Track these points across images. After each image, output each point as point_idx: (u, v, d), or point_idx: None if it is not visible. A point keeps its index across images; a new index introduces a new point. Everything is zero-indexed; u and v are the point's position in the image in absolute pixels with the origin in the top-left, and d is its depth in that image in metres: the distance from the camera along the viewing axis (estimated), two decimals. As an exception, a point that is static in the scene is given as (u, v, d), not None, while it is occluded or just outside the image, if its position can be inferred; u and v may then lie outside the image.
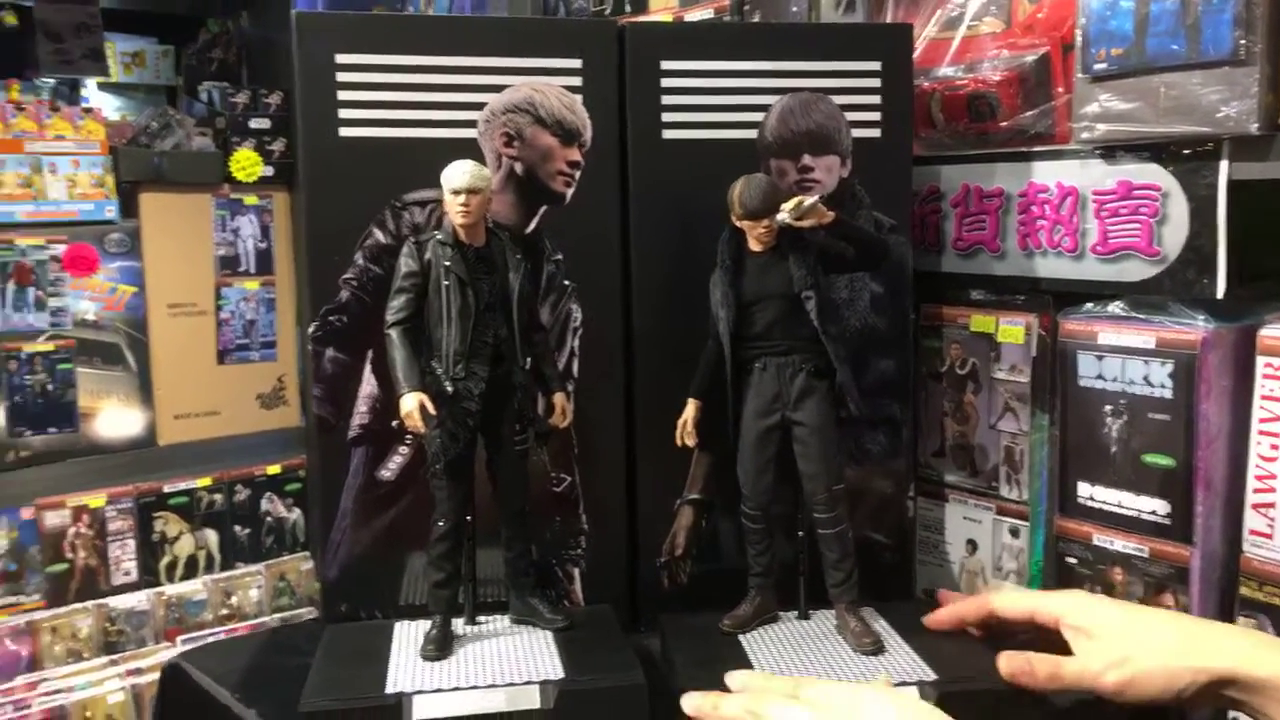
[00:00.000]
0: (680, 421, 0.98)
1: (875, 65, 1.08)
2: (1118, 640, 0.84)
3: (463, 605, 0.97)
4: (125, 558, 2.18)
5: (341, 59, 0.99)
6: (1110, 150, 1.04)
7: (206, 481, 2.27)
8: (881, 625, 0.98)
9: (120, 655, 2.08)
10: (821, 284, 0.96)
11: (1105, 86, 1.00)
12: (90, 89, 3.60)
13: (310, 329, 1.01)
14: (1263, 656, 0.78)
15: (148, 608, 2.17)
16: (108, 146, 2.17)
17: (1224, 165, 0.95)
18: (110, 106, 3.62)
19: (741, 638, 0.96)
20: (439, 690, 0.84)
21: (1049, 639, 0.90)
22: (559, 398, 0.99)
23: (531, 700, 0.84)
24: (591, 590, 1.07)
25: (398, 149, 1.01)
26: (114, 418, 2.17)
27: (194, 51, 2.99)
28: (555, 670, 0.88)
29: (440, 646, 0.91)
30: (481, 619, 0.98)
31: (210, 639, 2.00)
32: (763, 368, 0.96)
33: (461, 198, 0.90)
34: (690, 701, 0.79)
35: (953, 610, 0.98)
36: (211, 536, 2.28)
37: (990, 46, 1.16)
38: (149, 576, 2.19)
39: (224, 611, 2.25)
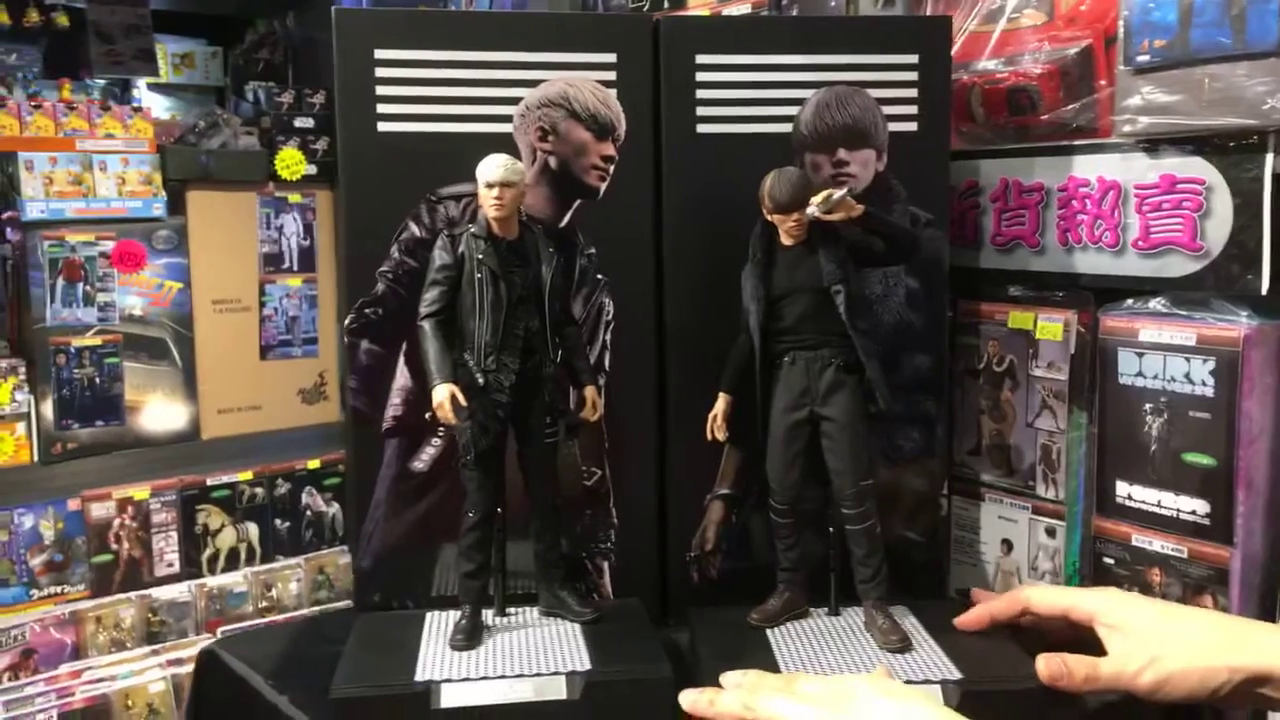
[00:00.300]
0: (711, 415, 0.97)
1: (913, 59, 1.07)
2: (1152, 639, 0.83)
3: (492, 596, 0.98)
4: (168, 549, 2.21)
5: (381, 54, 1.01)
6: (1153, 144, 1.02)
7: (248, 475, 2.29)
8: (911, 623, 0.97)
9: (162, 645, 2.11)
10: (851, 278, 0.96)
11: (1148, 78, 0.98)
12: (141, 89, 3.66)
13: (346, 321, 1.02)
14: None
15: (189, 599, 2.20)
16: (156, 145, 2.20)
17: (1269, 158, 0.94)
18: (160, 107, 3.68)
19: (769, 632, 0.96)
20: (466, 679, 0.85)
21: (1081, 637, 0.89)
22: (590, 391, 0.99)
23: (558, 691, 0.84)
24: (621, 584, 1.07)
25: (434, 144, 1.02)
26: (159, 411, 2.19)
27: (240, 52, 3.03)
28: (582, 662, 0.88)
29: (469, 636, 0.92)
30: (511, 610, 0.99)
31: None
32: (791, 362, 0.96)
33: (495, 191, 0.91)
34: (686, 698, 0.79)
35: (985, 608, 0.97)
36: (253, 529, 2.30)
37: (1031, 39, 1.15)
38: (191, 568, 2.21)
39: (264, 604, 2.27)
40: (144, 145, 2.18)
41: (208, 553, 2.21)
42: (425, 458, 1.03)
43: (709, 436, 0.98)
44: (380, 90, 1.01)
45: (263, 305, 2.34)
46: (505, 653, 0.90)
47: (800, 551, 0.99)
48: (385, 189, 1.02)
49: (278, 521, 2.29)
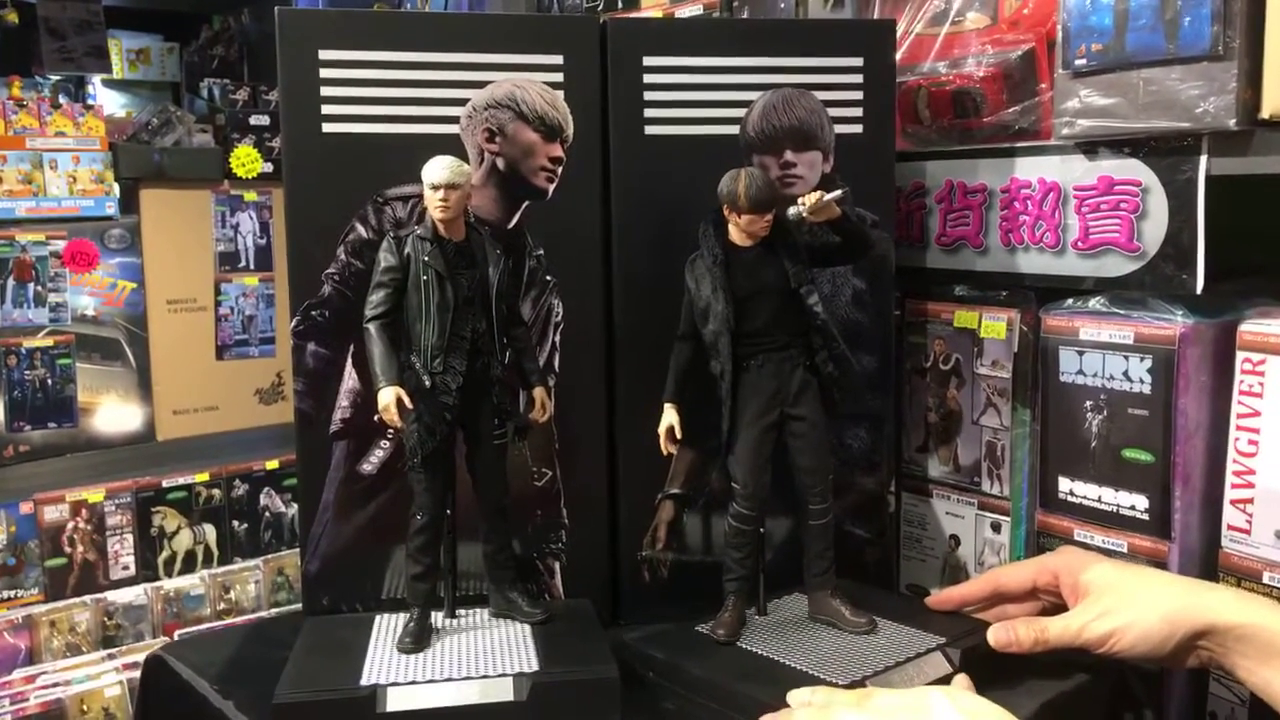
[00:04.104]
0: (661, 429, 0.96)
1: (858, 61, 1.08)
2: (1105, 595, 0.86)
3: (442, 598, 0.97)
4: (124, 552, 2.19)
5: (325, 55, 1.00)
6: (1091, 146, 1.03)
7: (205, 477, 2.28)
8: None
9: (118, 649, 2.09)
10: (814, 278, 0.96)
11: (1085, 82, 1.00)
12: (96, 86, 3.61)
13: (292, 323, 1.01)
14: (1239, 608, 0.80)
15: (146, 602, 2.18)
16: (108, 143, 2.18)
17: (1203, 160, 0.95)
18: (115, 103, 3.64)
19: (744, 644, 0.94)
20: (413, 683, 0.84)
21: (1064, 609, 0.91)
22: (539, 392, 0.99)
23: (505, 693, 0.84)
24: (572, 584, 1.07)
25: (380, 145, 1.01)
26: (113, 413, 2.18)
27: (195, 48, 2.99)
28: (530, 663, 0.88)
29: (417, 639, 0.92)
30: (461, 612, 0.99)
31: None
32: (760, 364, 0.95)
33: (441, 193, 0.91)
34: None
35: (956, 590, 0.99)
36: (210, 531, 2.28)
37: (975, 42, 1.16)
38: (147, 571, 2.19)
39: (222, 606, 2.26)
40: (96, 143, 2.16)
41: (164, 555, 2.19)
42: (374, 460, 1.02)
43: (663, 450, 0.96)
44: (325, 91, 1.00)
45: (218, 305, 2.32)
46: (453, 655, 0.90)
47: (755, 560, 0.98)
48: (331, 190, 1.01)
49: (235, 523, 2.28)
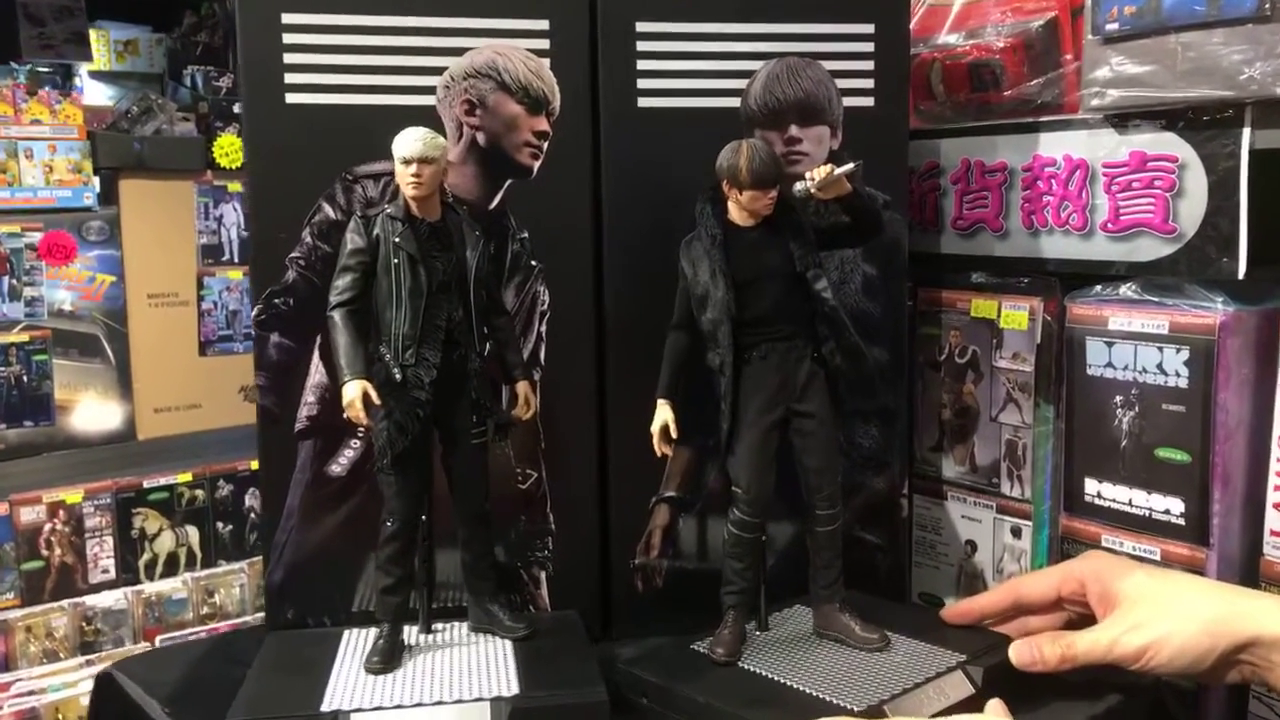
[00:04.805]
0: (655, 428, 0.88)
1: (868, 28, 1.01)
2: (1138, 605, 0.80)
3: (416, 611, 0.90)
4: (103, 555, 2.15)
5: (288, 19, 0.93)
6: (1122, 119, 0.97)
7: (187, 477, 2.25)
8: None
9: (97, 655, 2.06)
10: (822, 261, 0.89)
11: (1117, 48, 0.93)
12: (83, 77, 3.56)
13: (254, 313, 0.94)
14: None
15: (126, 606, 2.15)
16: (86, 132, 2.16)
17: (1246, 133, 0.89)
18: (104, 95, 3.59)
19: (745, 665, 0.87)
20: (379, 708, 0.77)
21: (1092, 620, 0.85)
22: (523, 387, 0.92)
23: (482, 719, 0.76)
24: (559, 595, 1.00)
25: (349, 117, 0.94)
26: (92, 411, 2.15)
27: (178, 35, 2.93)
28: (510, 685, 0.80)
29: (387, 658, 0.84)
30: (438, 626, 0.91)
31: (191, 638, 1.97)
32: (763, 356, 0.88)
33: (413, 168, 0.84)
34: None
35: (973, 601, 0.93)
36: (193, 533, 2.25)
37: (994, 11, 1.11)
38: (128, 574, 2.16)
39: (205, 610, 2.22)
40: (73, 132, 2.13)
41: (145, 558, 2.16)
42: (343, 461, 0.95)
43: (657, 451, 0.89)
44: (289, 58, 0.92)
45: (201, 299, 2.28)
46: (426, 676, 0.83)
47: (756, 572, 0.91)
48: (296, 167, 0.94)
49: (219, 524, 2.24)
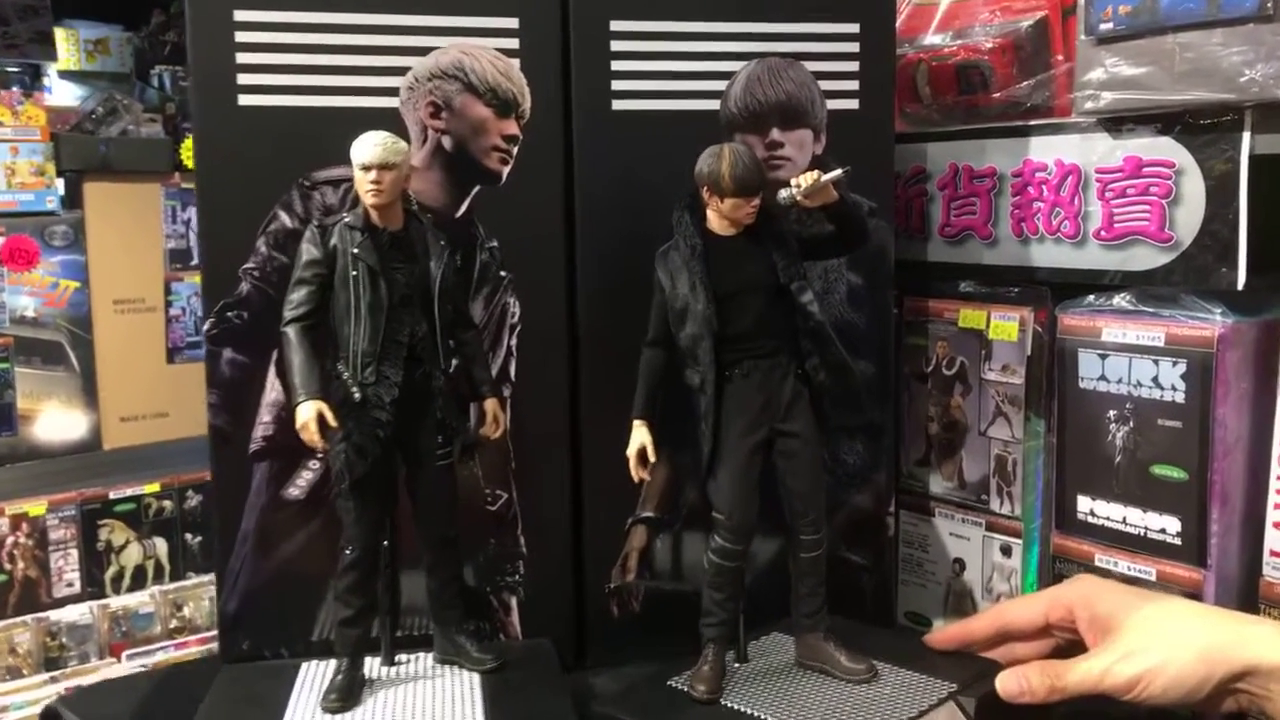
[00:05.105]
0: (631, 452, 0.84)
1: (853, 27, 0.98)
2: (1130, 632, 0.77)
3: (378, 640, 0.85)
4: (68, 568, 2.10)
5: (241, 16, 0.88)
6: (1117, 122, 0.94)
7: (155, 487, 2.19)
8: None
9: (62, 672, 2.00)
10: (806, 272, 0.85)
11: (1112, 49, 0.90)
12: (52, 77, 3.51)
13: (205, 327, 0.90)
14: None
15: (91, 621, 2.10)
16: (49, 133, 2.10)
17: (1246, 137, 0.86)
18: (73, 96, 3.53)
19: (727, 702, 0.82)
20: (335, 751, 0.72)
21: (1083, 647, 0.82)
22: (491, 404, 0.88)
23: (445, 761, 0.72)
24: (531, 622, 0.96)
25: (307, 120, 0.90)
26: (55, 420, 2.11)
27: (146, 34, 2.87)
28: (477, 723, 0.76)
29: (345, 695, 0.79)
30: (402, 658, 0.87)
31: (159, 654, 1.92)
32: (745, 374, 0.83)
33: (372, 174, 0.79)
34: None
35: (961, 628, 0.90)
36: (161, 545, 2.19)
37: (982, 11, 1.08)
38: (93, 588, 2.10)
39: (174, 624, 2.17)
40: (36, 133, 2.08)
41: (111, 571, 2.10)
42: (301, 483, 0.90)
43: (634, 477, 0.84)
44: (241, 57, 0.88)
45: (169, 305, 2.24)
46: (387, 713, 0.78)
47: (737, 603, 0.86)
48: (250, 173, 0.89)
49: (188, 536, 2.19)
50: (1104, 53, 0.91)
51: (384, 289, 0.80)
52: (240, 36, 0.88)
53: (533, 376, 0.95)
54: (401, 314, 0.81)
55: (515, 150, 0.93)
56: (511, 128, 0.93)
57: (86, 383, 2.12)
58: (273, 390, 0.90)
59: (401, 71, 0.91)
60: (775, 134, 0.97)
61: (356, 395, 0.79)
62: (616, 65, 0.95)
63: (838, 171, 0.82)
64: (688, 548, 0.98)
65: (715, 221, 0.84)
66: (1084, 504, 0.98)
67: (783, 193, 0.83)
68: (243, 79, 0.88)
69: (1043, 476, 1.03)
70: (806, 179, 0.81)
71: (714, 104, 0.96)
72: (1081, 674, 0.77)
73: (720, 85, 0.96)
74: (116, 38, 3.57)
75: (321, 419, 0.77)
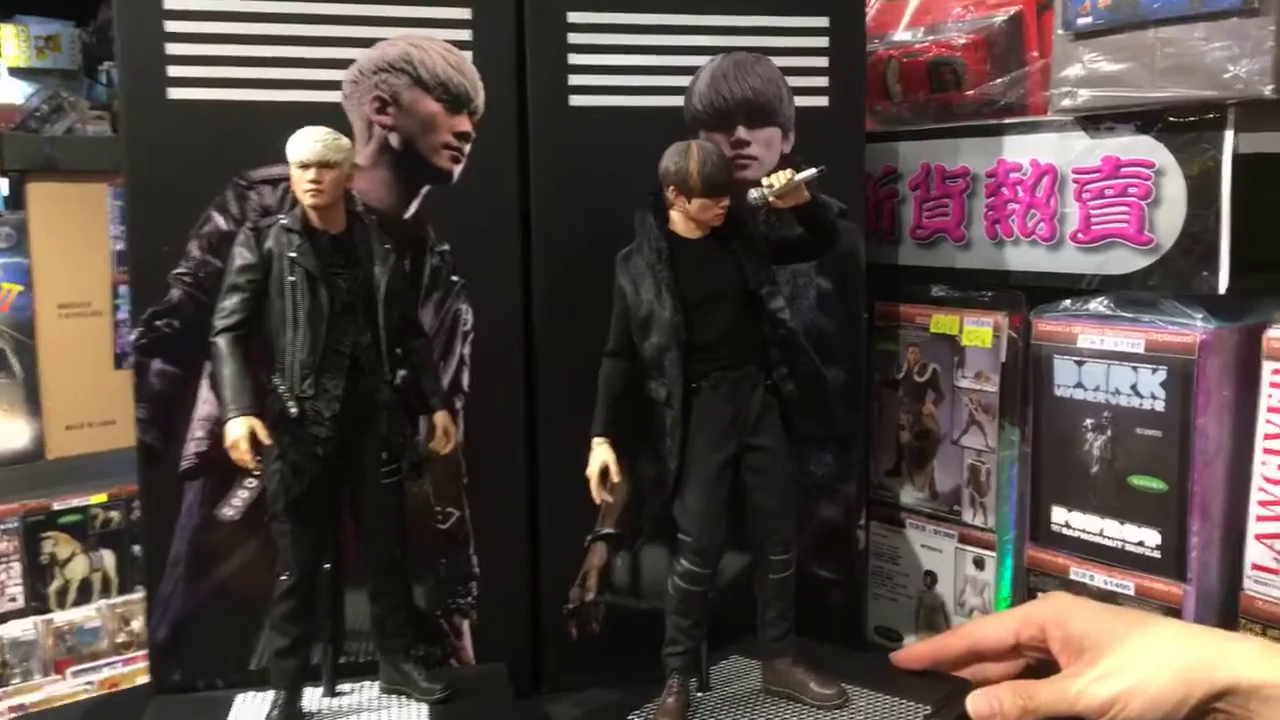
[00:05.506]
0: (592, 471, 0.80)
1: (822, 21, 0.96)
2: (1105, 651, 0.75)
3: (319, 668, 0.81)
4: (10, 582, 2.02)
5: (171, 3, 0.84)
6: (1095, 121, 0.92)
7: (102, 498, 2.12)
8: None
9: (4, 690, 1.93)
10: (776, 277, 0.82)
11: (1090, 44, 0.88)
12: (2, 74, 3.42)
13: (133, 337, 0.85)
14: (1266, 663, 0.71)
15: (35, 637, 2.02)
16: None
17: (1229, 136, 0.84)
18: (22, 94, 3.45)
19: None
20: (268, 794, 0.67)
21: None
22: (441, 417, 0.84)
23: (388, 803, 0.68)
24: (484, 646, 0.93)
25: (243, 115, 0.85)
26: None
27: (94, 29, 2.79)
28: (423, 760, 0.71)
29: (281, 730, 0.74)
30: (344, 687, 0.83)
31: (106, 670, 1.87)
32: (713, 386, 0.79)
33: (310, 173, 0.75)
34: None
35: (930, 645, 0.87)
36: (108, 558, 2.12)
37: (954, 6, 1.06)
38: (37, 603, 2.03)
39: (121, 639, 2.10)
40: None
41: (56, 585, 2.04)
42: (236, 503, 0.86)
43: (596, 499, 0.80)
44: (171, 47, 0.83)
45: (116, 309, 2.17)
46: (327, 750, 0.73)
47: (703, 630, 0.82)
48: (181, 171, 0.85)
49: (137, 549, 2.12)
50: (1082, 48, 0.89)
51: (324, 295, 0.76)
52: (170, 25, 0.83)
53: (486, 387, 0.92)
54: (343, 322, 0.77)
55: (467, 148, 0.90)
56: (463, 124, 0.89)
57: (29, 389, 2.04)
58: (205, 404, 0.85)
59: (345, 64, 0.87)
60: (741, 132, 0.94)
61: (293, 410, 0.75)
62: (574, 59, 0.92)
63: (812, 171, 0.78)
64: (650, 565, 0.95)
65: (680, 223, 0.80)
66: (1060, 515, 0.96)
67: (753, 193, 0.79)
68: (173, 70, 0.84)
69: (1017, 487, 1.01)
70: (779, 178, 0.78)
71: (677, 100, 0.93)
72: (1055, 694, 0.75)
73: (684, 81, 0.94)
74: (68, 34, 3.47)
75: (254, 436, 0.72)
